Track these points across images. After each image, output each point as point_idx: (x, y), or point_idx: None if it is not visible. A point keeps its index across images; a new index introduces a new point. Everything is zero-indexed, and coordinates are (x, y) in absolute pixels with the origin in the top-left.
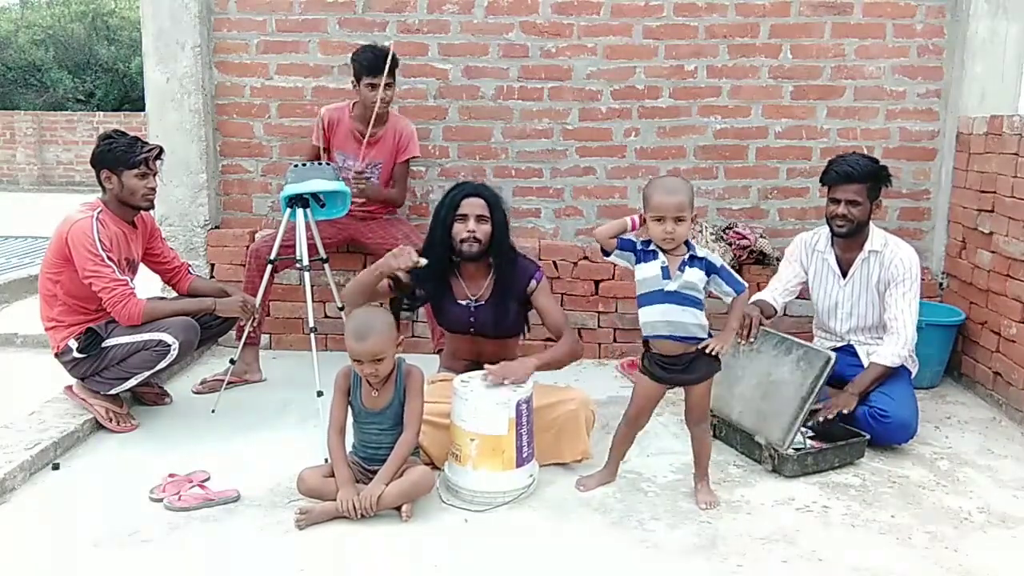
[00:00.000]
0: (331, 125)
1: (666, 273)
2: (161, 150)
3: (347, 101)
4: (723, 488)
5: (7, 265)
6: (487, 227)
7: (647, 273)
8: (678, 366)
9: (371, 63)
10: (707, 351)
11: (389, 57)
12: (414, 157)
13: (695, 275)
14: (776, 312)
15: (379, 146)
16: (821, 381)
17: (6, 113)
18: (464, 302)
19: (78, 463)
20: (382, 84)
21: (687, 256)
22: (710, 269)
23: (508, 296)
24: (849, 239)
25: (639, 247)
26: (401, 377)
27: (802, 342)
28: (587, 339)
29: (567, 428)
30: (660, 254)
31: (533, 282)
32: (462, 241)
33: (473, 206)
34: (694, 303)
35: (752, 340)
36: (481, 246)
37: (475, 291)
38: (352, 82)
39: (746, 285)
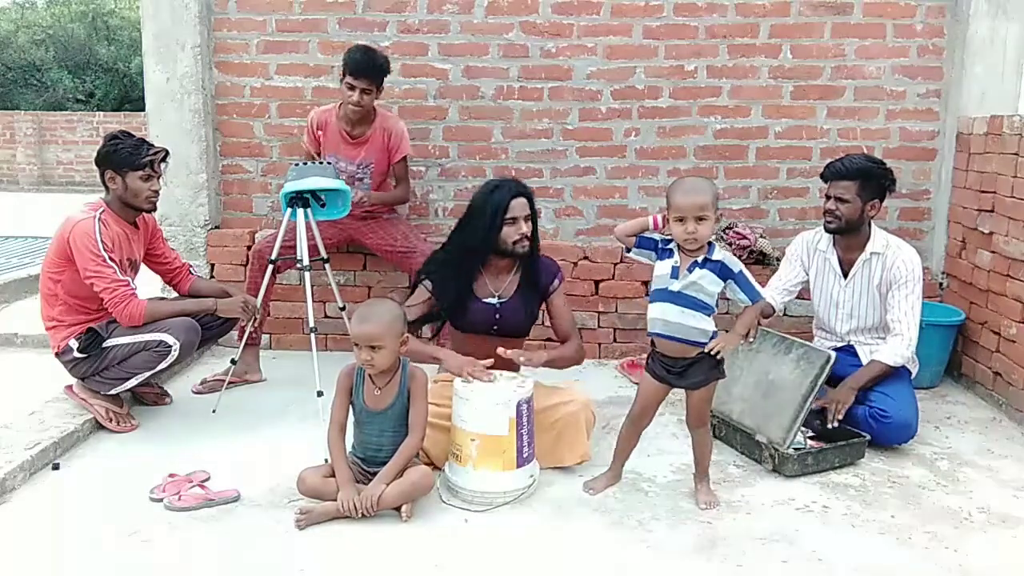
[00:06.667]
0: (320, 127)
1: (675, 273)
2: (167, 153)
3: (335, 102)
4: (723, 488)
5: (7, 265)
6: (531, 225)
7: (659, 271)
8: (676, 369)
9: (355, 64)
10: (707, 351)
11: (375, 65)
12: (407, 156)
13: (704, 277)
14: (774, 312)
15: (368, 146)
16: (821, 379)
17: (6, 113)
18: (489, 300)
19: (78, 463)
20: (359, 88)
21: (701, 258)
22: (726, 274)
23: (532, 292)
24: (847, 238)
25: (659, 245)
26: (405, 379)
27: (802, 341)
28: (587, 339)
29: (567, 431)
30: (675, 253)
31: (556, 280)
32: (515, 243)
33: (522, 207)
34: (699, 307)
35: (751, 340)
36: (531, 245)
37: (499, 287)
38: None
39: (763, 296)
